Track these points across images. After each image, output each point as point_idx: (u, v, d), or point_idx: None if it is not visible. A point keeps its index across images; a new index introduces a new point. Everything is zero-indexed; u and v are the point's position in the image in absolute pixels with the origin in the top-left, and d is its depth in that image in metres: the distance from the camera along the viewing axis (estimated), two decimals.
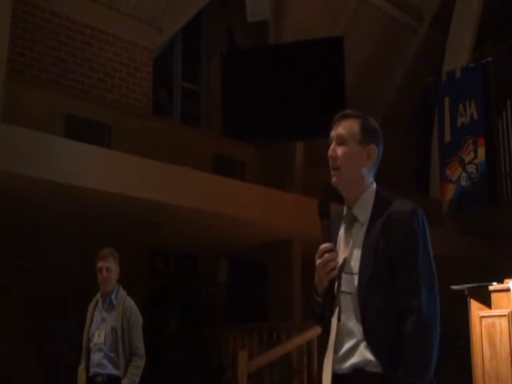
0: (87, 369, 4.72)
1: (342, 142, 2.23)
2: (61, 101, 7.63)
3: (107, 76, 8.60)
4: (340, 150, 2.22)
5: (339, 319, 2.15)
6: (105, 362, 4.66)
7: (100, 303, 4.86)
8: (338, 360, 2.13)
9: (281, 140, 9.42)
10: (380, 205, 2.19)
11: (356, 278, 2.13)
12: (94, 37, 8.49)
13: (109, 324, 4.73)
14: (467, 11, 11.60)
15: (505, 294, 4.75)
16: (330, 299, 2.16)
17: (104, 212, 6.89)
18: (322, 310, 2.21)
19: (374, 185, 2.26)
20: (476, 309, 4.89)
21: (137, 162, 6.50)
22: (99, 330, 4.74)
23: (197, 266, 9.82)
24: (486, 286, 4.88)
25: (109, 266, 4.81)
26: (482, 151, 10.53)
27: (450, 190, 10.94)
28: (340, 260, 2.18)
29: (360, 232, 2.18)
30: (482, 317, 4.84)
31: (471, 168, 10.66)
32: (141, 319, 4.84)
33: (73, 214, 6.90)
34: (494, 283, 4.87)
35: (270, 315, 8.75)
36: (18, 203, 6.41)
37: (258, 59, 9.57)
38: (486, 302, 4.84)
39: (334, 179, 2.24)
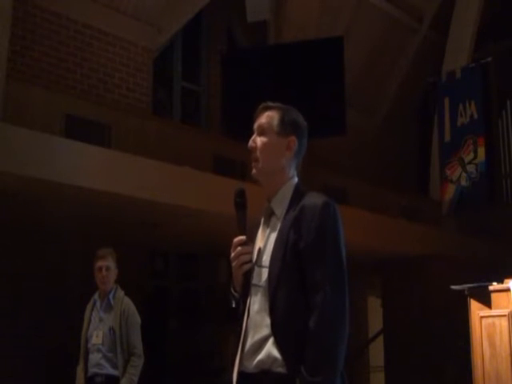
0: (85, 369, 4.72)
1: (261, 132, 2.24)
2: (61, 101, 7.61)
3: (107, 76, 8.59)
4: (259, 141, 2.22)
5: (249, 313, 2.12)
6: (103, 362, 4.66)
7: (98, 303, 4.86)
8: (245, 356, 2.09)
9: None
10: (296, 198, 2.17)
11: (266, 271, 2.10)
12: (93, 37, 8.48)
13: (107, 324, 4.73)
14: (467, 11, 11.62)
15: (505, 293, 4.76)
16: (245, 293, 2.15)
17: (104, 212, 6.88)
18: (238, 304, 2.20)
19: (296, 179, 2.24)
20: (476, 309, 4.89)
21: (137, 161, 6.49)
22: (97, 331, 4.73)
23: (197, 266, 9.81)
24: (486, 286, 4.88)
25: (108, 265, 4.81)
26: (481, 151, 10.54)
27: (450, 190, 10.94)
28: (255, 253, 2.16)
29: (276, 226, 2.17)
30: (481, 317, 4.84)
31: (471, 168, 10.66)
32: (139, 319, 4.84)
33: (73, 214, 6.89)
34: (494, 283, 4.87)
35: None
36: (18, 203, 6.40)
37: (257, 59, 9.55)
38: (486, 302, 4.84)
39: (253, 171, 2.23)
